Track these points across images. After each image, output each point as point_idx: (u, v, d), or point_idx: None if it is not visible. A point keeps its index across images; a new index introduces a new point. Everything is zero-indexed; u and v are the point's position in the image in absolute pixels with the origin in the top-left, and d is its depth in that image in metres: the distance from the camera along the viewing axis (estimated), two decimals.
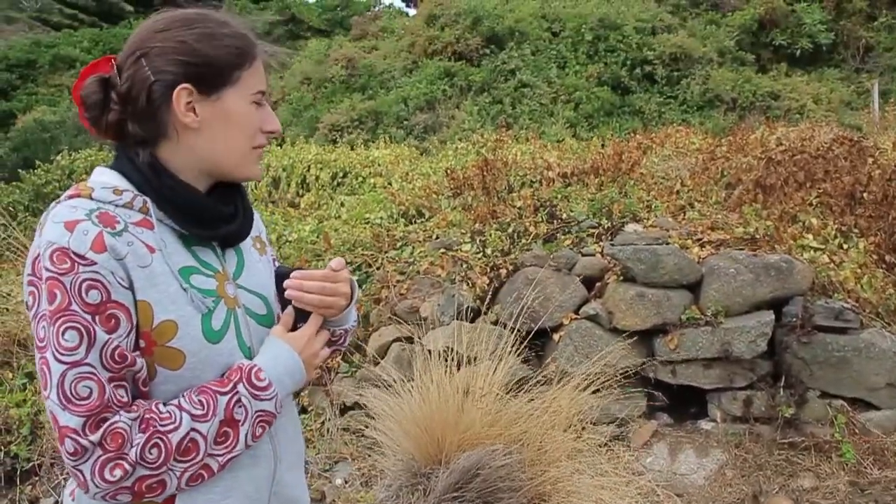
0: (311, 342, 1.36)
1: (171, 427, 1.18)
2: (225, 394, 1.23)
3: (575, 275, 4.35)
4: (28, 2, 47.75)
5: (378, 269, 5.54)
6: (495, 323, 4.23)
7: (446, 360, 3.74)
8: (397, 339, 4.52)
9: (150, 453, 1.16)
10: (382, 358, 4.48)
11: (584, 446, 3.42)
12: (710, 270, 4.04)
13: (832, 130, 7.20)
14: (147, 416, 1.18)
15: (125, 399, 1.18)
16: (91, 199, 1.22)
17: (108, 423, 1.14)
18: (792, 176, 5.44)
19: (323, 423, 4.38)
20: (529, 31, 14.43)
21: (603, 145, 9.01)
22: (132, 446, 1.15)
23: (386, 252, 5.75)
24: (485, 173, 7.19)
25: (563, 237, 4.96)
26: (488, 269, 4.72)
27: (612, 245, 4.28)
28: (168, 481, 1.19)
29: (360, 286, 5.50)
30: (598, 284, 4.31)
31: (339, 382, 4.54)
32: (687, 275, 4.02)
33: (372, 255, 5.76)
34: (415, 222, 6.58)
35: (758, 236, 4.52)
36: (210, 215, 1.31)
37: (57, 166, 10.92)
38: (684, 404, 4.12)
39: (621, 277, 4.21)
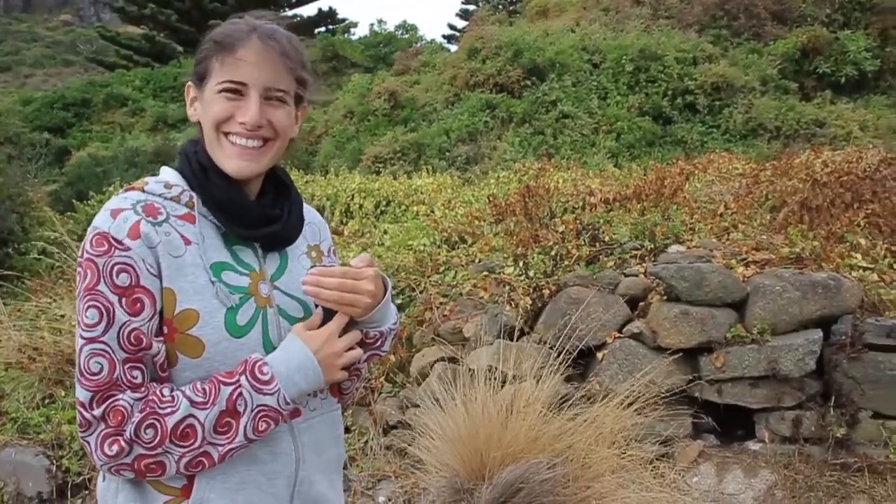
0: (330, 341, 1.33)
1: (169, 410, 1.21)
2: (228, 384, 1.25)
3: (618, 295, 4.34)
4: (84, 45, 49.67)
5: (421, 292, 5.59)
6: (539, 342, 4.24)
7: (490, 379, 3.76)
8: (440, 360, 4.55)
9: (146, 433, 1.20)
10: (425, 378, 4.50)
11: (628, 463, 3.39)
12: (755, 289, 4.00)
13: (880, 153, 7.10)
14: (149, 397, 1.22)
15: (138, 381, 1.23)
16: (143, 191, 1.31)
17: (112, 399, 1.20)
18: (839, 197, 5.38)
19: (367, 441, 4.41)
20: (570, 63, 14.53)
21: (645, 172, 9.00)
22: (129, 424, 1.19)
23: (429, 276, 5.80)
24: (527, 200, 7.22)
25: (605, 259, 4.96)
26: (531, 290, 4.74)
27: (655, 264, 4.26)
28: (167, 463, 1.22)
29: (403, 310, 5.55)
30: (641, 304, 4.29)
31: (383, 402, 4.57)
32: (732, 293, 3.99)
33: (415, 279, 5.82)
34: (457, 248, 6.63)
35: (804, 256, 4.46)
36: (252, 216, 1.35)
37: (109, 197, 11.30)
38: (730, 424, 4.06)
39: (665, 297, 4.19)
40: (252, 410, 1.26)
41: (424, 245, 6.95)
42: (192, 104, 1.39)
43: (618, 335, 4.10)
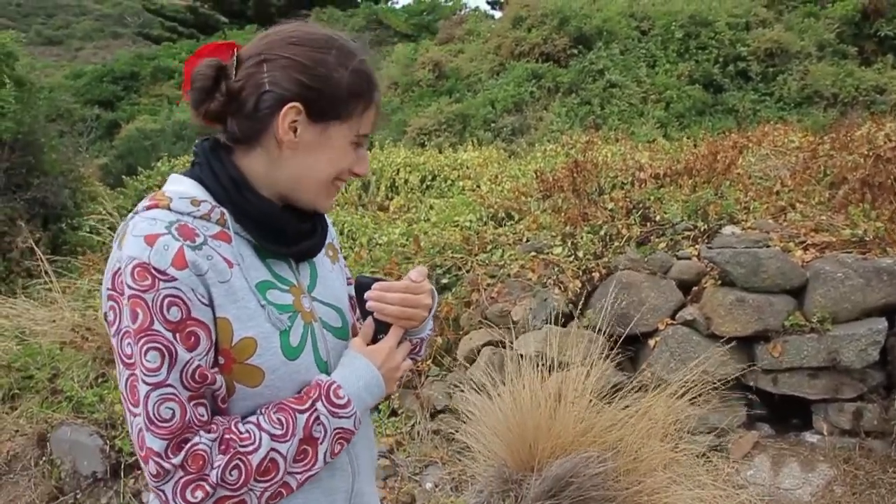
0: (391, 355, 1.33)
1: (252, 448, 1.16)
2: (304, 412, 1.21)
3: (671, 279, 4.23)
4: (132, 18, 50.28)
5: (468, 271, 5.53)
6: (588, 327, 4.16)
7: (538, 365, 3.70)
8: (488, 343, 4.50)
9: (231, 475, 1.14)
10: (472, 362, 4.46)
11: (681, 456, 3.31)
12: (815, 275, 3.85)
13: None
14: (227, 436, 1.16)
15: (205, 417, 1.16)
16: (169, 209, 1.19)
17: (189, 445, 1.13)
18: None
19: (413, 426, 4.40)
20: (617, 31, 14.17)
21: (696, 145, 8.76)
22: (213, 468, 1.13)
23: (476, 255, 5.74)
24: (575, 175, 7.08)
25: (657, 240, 4.84)
26: (580, 273, 4.65)
27: (710, 248, 4.13)
28: (248, 501, 1.17)
29: (449, 289, 5.51)
30: (694, 289, 4.18)
31: (430, 386, 4.55)
32: (791, 279, 3.84)
33: (462, 257, 5.76)
34: (504, 225, 6.55)
35: (867, 238, 4.28)
36: (289, 231, 1.29)
37: (157, 172, 11.46)
38: (786, 415, 3.94)
39: (719, 282, 4.07)
40: (331, 435, 1.24)
41: (471, 221, 6.88)
42: (293, 128, 1.23)
43: (670, 322, 4.00)
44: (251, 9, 32.19)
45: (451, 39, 18.33)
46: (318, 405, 1.22)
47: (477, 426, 3.67)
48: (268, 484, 1.17)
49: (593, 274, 4.48)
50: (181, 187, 1.24)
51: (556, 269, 4.83)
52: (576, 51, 14.00)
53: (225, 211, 1.23)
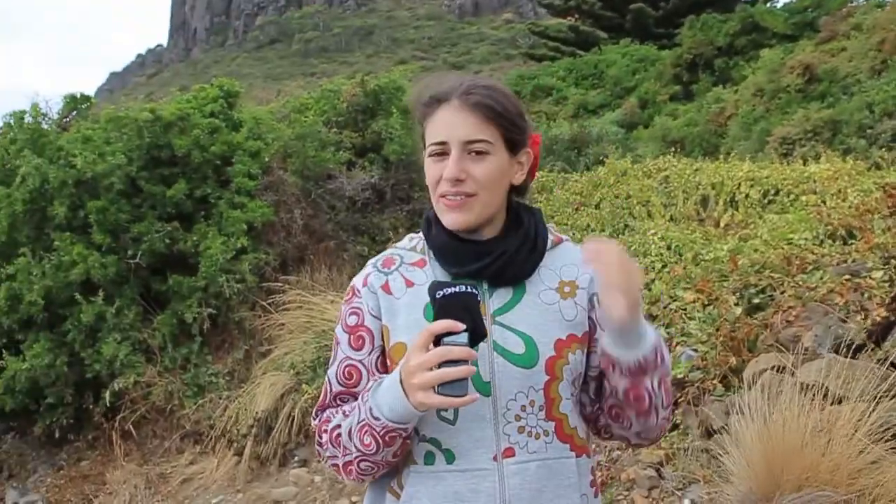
0: (412, 355, 1.32)
1: (332, 424, 1.46)
2: (363, 399, 1.42)
3: None
4: (523, 39, 54.30)
5: (782, 293, 5.30)
6: (880, 361, 3.79)
7: (812, 396, 3.53)
8: (771, 368, 4.32)
9: (322, 437, 1.48)
10: (753, 385, 4.32)
11: None
12: None
13: None
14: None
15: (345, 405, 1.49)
16: (395, 247, 1.54)
17: (325, 412, 1.52)
18: None
19: (689, 442, 4.41)
20: None
21: None
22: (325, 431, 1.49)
23: (794, 275, 5.46)
24: None
25: None
26: (890, 301, 4.22)
27: None
28: (338, 458, 1.45)
29: (762, 310, 5.34)
30: None
31: (710, 405, 4.51)
32: None
33: (779, 277, 5.52)
34: (847, 244, 6.08)
35: None
36: (457, 254, 1.46)
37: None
38: None
39: None
40: (359, 421, 1.39)
41: (805, 239, 6.50)
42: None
43: None
44: (629, 22, 32.73)
45: (834, 37, 16.79)
46: (367, 395, 1.41)
47: (740, 449, 3.63)
48: (338, 449, 1.44)
49: None
50: (418, 233, 1.57)
51: (864, 294, 4.44)
52: None
53: (425, 243, 1.52)
